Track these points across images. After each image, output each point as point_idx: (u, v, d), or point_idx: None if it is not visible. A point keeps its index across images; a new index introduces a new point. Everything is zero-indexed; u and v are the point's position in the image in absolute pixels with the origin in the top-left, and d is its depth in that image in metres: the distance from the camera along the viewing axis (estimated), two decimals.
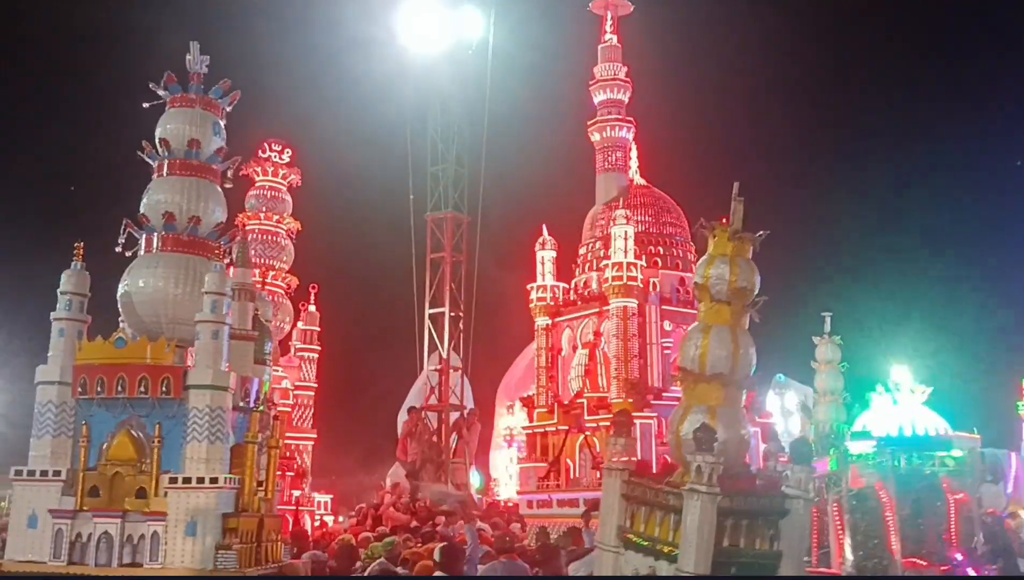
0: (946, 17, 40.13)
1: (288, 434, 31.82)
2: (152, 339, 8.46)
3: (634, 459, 9.65)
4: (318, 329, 34.53)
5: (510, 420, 43.89)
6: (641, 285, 20.71)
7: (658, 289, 21.25)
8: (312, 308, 35.37)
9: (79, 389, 7.99)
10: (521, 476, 22.94)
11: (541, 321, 22.77)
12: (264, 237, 35.33)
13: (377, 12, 34.46)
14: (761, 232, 10.05)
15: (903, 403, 14.50)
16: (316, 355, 34.15)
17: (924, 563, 10.73)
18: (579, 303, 22.04)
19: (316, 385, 33.99)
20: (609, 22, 23.87)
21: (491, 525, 23.28)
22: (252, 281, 8.77)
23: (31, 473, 7.76)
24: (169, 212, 8.77)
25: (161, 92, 9.11)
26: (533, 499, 21.73)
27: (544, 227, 23.28)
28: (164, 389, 7.92)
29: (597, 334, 21.28)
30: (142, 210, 8.72)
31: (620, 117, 23.20)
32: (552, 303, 22.66)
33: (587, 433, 20.81)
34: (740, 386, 9.98)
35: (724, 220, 10.19)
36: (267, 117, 35.71)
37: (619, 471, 9.97)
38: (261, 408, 10.45)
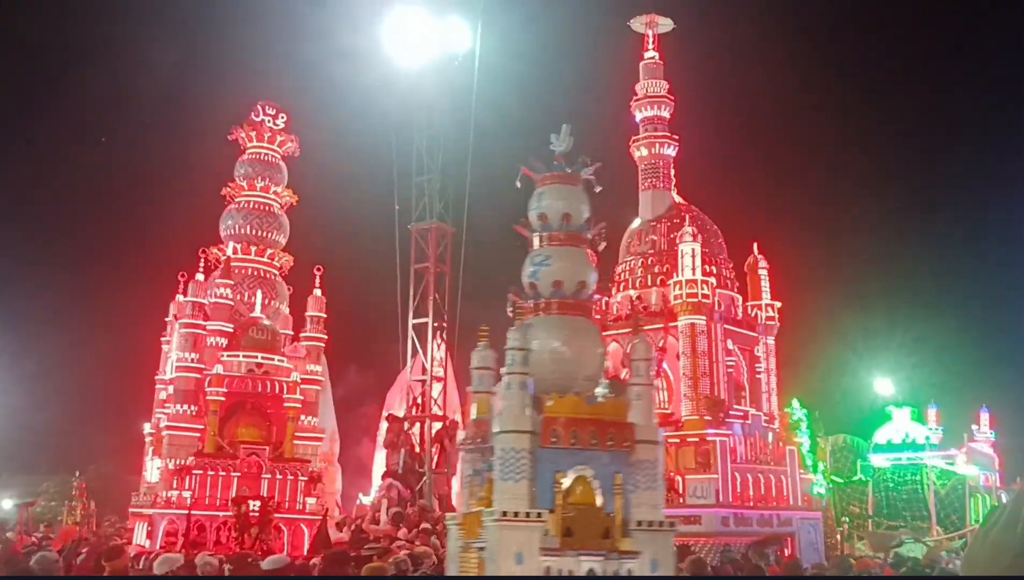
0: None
1: (297, 434, 30.39)
2: (548, 391, 8.63)
3: None
4: (324, 315, 32.58)
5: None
6: (709, 303, 21.08)
7: (721, 307, 21.67)
8: (318, 292, 33.15)
9: (552, 439, 8.14)
10: None
11: None
12: (258, 210, 33.22)
13: (364, 23, 33.77)
14: None
15: None
16: (323, 345, 32.24)
17: None
18: (633, 318, 22.10)
19: (323, 378, 32.43)
20: (651, 40, 23.98)
21: None
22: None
23: (515, 514, 8.02)
24: (558, 280, 8.94)
25: (532, 173, 9.25)
26: None
27: None
28: (625, 443, 8.34)
29: (662, 350, 21.44)
30: (528, 279, 8.87)
31: (666, 135, 23.43)
32: (598, 316, 22.62)
33: None
34: None
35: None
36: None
37: None
38: None
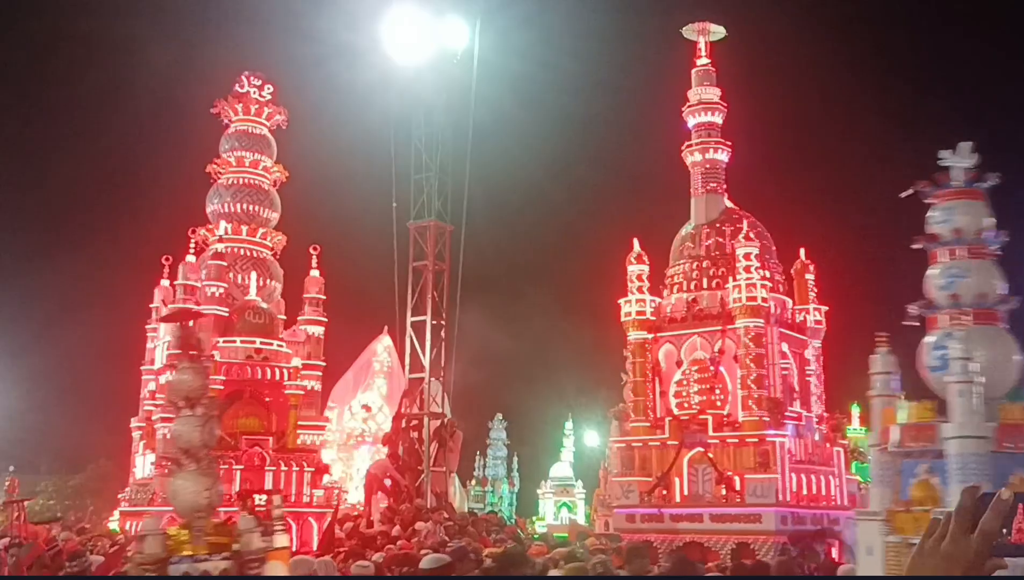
0: None
1: (300, 423, 29.34)
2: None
3: None
4: (323, 297, 31.23)
5: (352, 422, 43.53)
6: (767, 306, 21.55)
7: (777, 311, 22.17)
8: (315, 273, 31.60)
9: (1006, 444, 8.49)
10: (618, 490, 22.94)
11: (636, 335, 22.85)
12: (247, 187, 31.40)
13: (361, 21, 33.54)
14: None
15: None
16: (323, 329, 30.84)
17: None
18: (689, 320, 22.45)
19: (324, 363, 30.99)
20: (703, 46, 24.38)
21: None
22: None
23: None
24: (983, 292, 9.43)
25: (926, 190, 9.77)
26: (636, 513, 21.82)
27: (636, 241, 23.39)
28: None
29: (721, 352, 21.78)
30: (943, 290, 9.31)
31: (720, 140, 23.85)
32: (653, 318, 22.85)
33: (708, 451, 21.28)
34: None
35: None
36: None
37: None
38: None
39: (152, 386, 31.27)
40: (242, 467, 27.26)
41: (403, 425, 32.15)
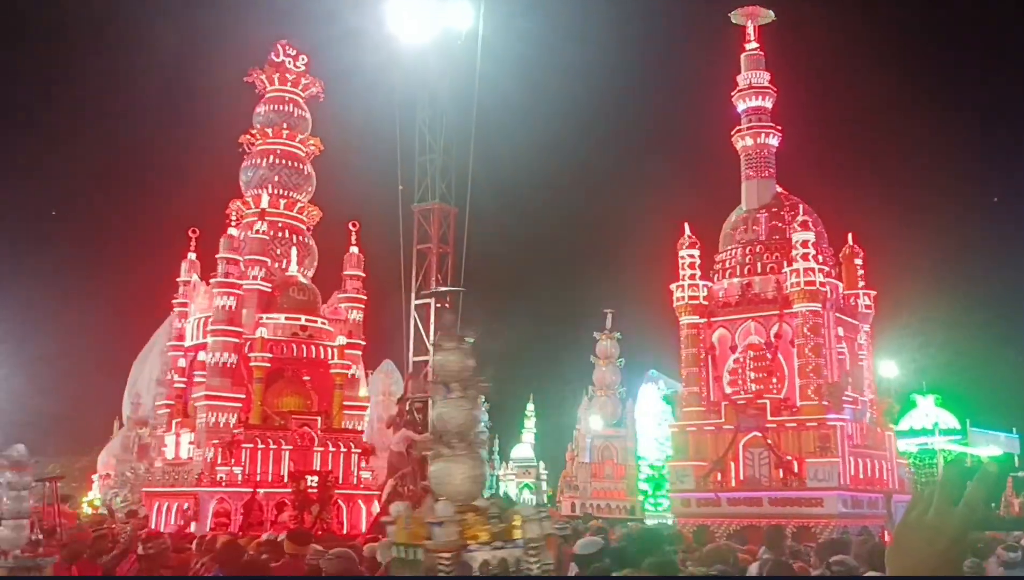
0: None
1: (345, 402, 29.36)
2: None
3: None
4: (363, 274, 30.89)
5: None
6: (824, 291, 21.92)
7: (832, 296, 22.55)
8: (354, 249, 31.10)
9: None
10: (672, 474, 23.44)
11: (689, 319, 23.21)
12: (283, 160, 31.15)
13: (366, 2, 33.02)
14: None
15: None
16: (363, 306, 30.50)
17: None
18: (743, 305, 22.78)
19: (364, 342, 30.77)
20: (752, 30, 24.41)
21: None
22: None
23: None
24: None
25: None
26: (691, 497, 22.34)
27: (686, 225, 23.64)
28: None
29: (778, 337, 22.16)
30: None
31: (770, 125, 23.99)
32: (706, 303, 23.15)
33: (766, 435, 21.76)
34: None
35: None
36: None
37: None
38: None
39: (182, 362, 30.72)
40: (291, 448, 27.21)
41: (407, 407, 32.31)
